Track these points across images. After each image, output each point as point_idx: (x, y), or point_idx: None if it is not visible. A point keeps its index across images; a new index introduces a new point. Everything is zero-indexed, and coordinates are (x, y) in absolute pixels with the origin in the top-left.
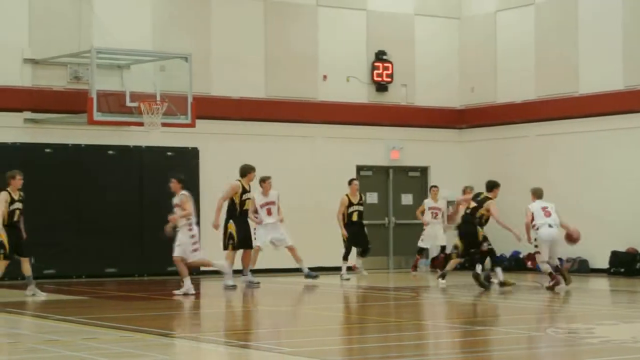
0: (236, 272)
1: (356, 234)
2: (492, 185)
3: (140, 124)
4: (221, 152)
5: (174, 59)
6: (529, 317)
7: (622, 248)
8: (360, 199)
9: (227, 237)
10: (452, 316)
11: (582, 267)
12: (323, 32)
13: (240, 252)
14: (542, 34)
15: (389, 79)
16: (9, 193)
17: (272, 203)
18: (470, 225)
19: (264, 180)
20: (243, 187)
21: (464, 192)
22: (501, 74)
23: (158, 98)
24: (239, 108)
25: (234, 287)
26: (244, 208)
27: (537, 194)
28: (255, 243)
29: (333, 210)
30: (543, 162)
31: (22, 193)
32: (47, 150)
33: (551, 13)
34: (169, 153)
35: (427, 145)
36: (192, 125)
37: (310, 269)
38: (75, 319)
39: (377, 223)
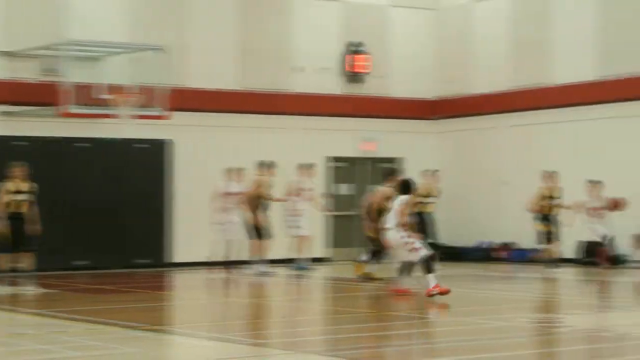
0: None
1: None
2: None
3: (115, 116)
4: (196, 144)
5: (149, 50)
6: (499, 307)
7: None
8: None
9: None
10: (422, 306)
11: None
12: (298, 23)
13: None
14: (518, 25)
15: (363, 71)
16: (11, 183)
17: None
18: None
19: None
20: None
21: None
22: (477, 65)
23: (133, 90)
24: (214, 100)
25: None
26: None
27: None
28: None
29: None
30: (517, 153)
31: (33, 184)
32: (22, 143)
33: (526, 5)
34: (144, 145)
35: (402, 137)
36: (167, 117)
37: (281, 260)
38: (44, 312)
39: (350, 214)
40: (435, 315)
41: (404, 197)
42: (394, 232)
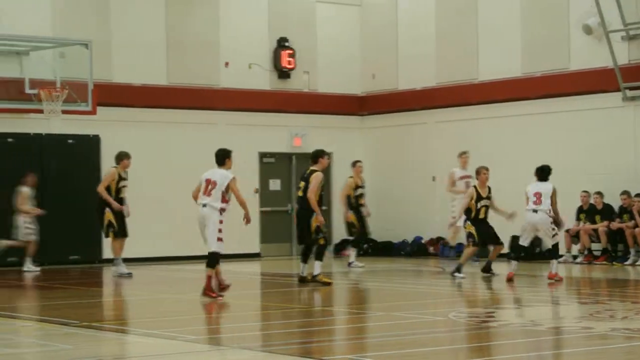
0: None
1: (361, 219)
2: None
3: (41, 112)
4: (123, 139)
5: (75, 45)
6: (431, 302)
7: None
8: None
9: (107, 225)
10: (356, 302)
11: (481, 252)
12: (225, 18)
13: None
14: (443, 21)
15: (291, 66)
16: (117, 171)
17: (470, 177)
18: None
19: (461, 155)
20: (118, 175)
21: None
22: (402, 61)
23: (58, 85)
24: (140, 95)
25: (129, 274)
26: (120, 195)
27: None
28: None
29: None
30: (443, 149)
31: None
32: None
33: (451, 1)
34: (70, 141)
35: (329, 132)
36: (93, 112)
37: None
38: None
39: (280, 210)
40: (364, 310)
41: (549, 185)
42: (544, 216)
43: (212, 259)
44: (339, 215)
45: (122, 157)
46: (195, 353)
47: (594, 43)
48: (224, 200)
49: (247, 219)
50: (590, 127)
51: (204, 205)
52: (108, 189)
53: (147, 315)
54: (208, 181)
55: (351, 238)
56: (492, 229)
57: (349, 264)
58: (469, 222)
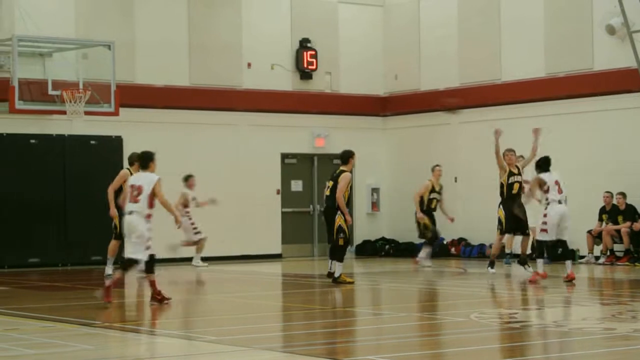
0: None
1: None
2: (347, 156)
3: (63, 113)
4: (145, 140)
5: (97, 46)
6: (452, 302)
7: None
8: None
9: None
10: (377, 302)
11: (505, 253)
12: (247, 19)
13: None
14: (465, 21)
15: (313, 67)
16: (130, 172)
17: (527, 181)
18: (330, 210)
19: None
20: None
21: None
22: (425, 62)
23: (81, 86)
24: (163, 96)
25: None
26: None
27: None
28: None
29: (258, 198)
30: (465, 150)
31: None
32: None
33: (474, 1)
34: (93, 142)
35: (352, 133)
36: (116, 113)
37: (234, 257)
38: None
39: (302, 211)
40: (386, 311)
41: (556, 174)
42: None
43: (150, 264)
44: (361, 215)
45: (133, 160)
46: (217, 354)
47: (617, 43)
48: (151, 205)
49: (178, 222)
50: (614, 127)
51: (131, 213)
52: (120, 190)
53: (168, 316)
54: (133, 187)
55: (424, 240)
56: (522, 219)
57: (417, 261)
58: (500, 207)
